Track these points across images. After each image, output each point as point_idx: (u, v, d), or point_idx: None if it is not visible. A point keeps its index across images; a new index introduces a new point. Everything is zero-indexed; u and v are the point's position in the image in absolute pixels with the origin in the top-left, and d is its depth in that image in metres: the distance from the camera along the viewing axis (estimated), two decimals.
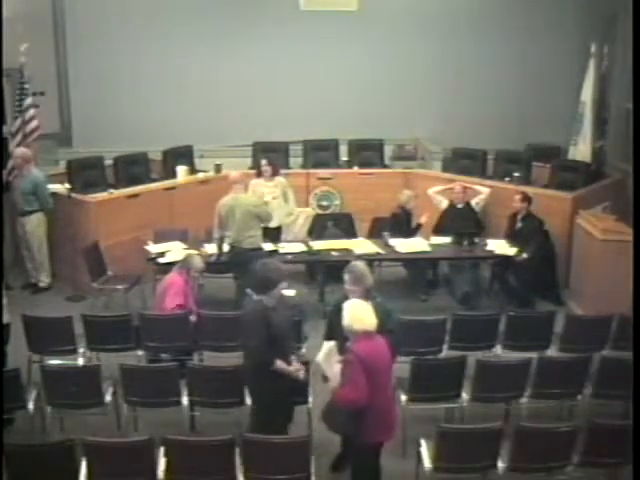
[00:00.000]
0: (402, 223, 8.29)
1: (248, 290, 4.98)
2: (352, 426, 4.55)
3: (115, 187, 8.89)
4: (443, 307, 7.58)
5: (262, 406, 4.97)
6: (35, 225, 8.14)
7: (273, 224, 7.79)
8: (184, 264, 6.45)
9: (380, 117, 10.46)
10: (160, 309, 6.36)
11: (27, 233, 8.16)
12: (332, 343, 4.70)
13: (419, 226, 8.39)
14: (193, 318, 6.23)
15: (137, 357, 6.14)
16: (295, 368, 4.97)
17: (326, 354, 4.65)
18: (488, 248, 7.92)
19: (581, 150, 9.48)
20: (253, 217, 7.14)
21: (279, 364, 4.83)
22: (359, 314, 4.49)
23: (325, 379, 4.69)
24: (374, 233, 8.43)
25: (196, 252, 7.17)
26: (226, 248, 7.29)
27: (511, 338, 6.25)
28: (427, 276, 8.36)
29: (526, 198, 8.10)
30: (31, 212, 8.09)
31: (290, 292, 6.11)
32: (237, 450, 4.57)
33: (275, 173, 8.41)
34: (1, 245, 7.40)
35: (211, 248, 7.47)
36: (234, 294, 7.25)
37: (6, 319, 5.82)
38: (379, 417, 4.53)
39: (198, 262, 6.51)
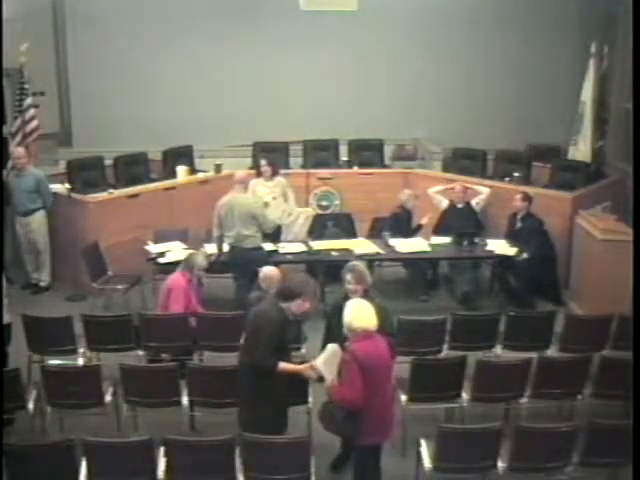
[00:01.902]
0: (402, 222, 8.29)
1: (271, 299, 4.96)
2: (348, 427, 4.55)
3: (115, 187, 8.88)
4: (443, 307, 7.58)
5: (258, 408, 4.91)
6: (40, 223, 8.15)
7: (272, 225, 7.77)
8: (187, 263, 6.42)
9: (380, 117, 10.46)
10: (163, 310, 6.36)
11: (32, 232, 8.15)
12: (336, 346, 4.66)
13: (420, 227, 8.39)
14: (193, 323, 6.22)
15: (137, 357, 6.14)
16: (303, 367, 4.88)
17: (330, 355, 4.63)
18: (488, 248, 7.91)
19: (581, 150, 9.48)
20: (251, 217, 7.13)
21: (283, 365, 4.79)
22: (361, 313, 4.49)
23: (320, 379, 4.68)
24: (374, 233, 8.43)
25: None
26: (226, 248, 7.29)
27: (511, 338, 6.25)
28: (427, 276, 8.35)
29: (527, 198, 8.10)
30: (35, 210, 8.09)
31: None
32: (237, 450, 4.57)
33: (274, 173, 8.41)
34: (1, 245, 7.39)
35: (211, 248, 7.47)
36: (234, 294, 7.26)
37: (6, 319, 5.81)
38: (375, 418, 4.52)
39: (201, 260, 6.48)
